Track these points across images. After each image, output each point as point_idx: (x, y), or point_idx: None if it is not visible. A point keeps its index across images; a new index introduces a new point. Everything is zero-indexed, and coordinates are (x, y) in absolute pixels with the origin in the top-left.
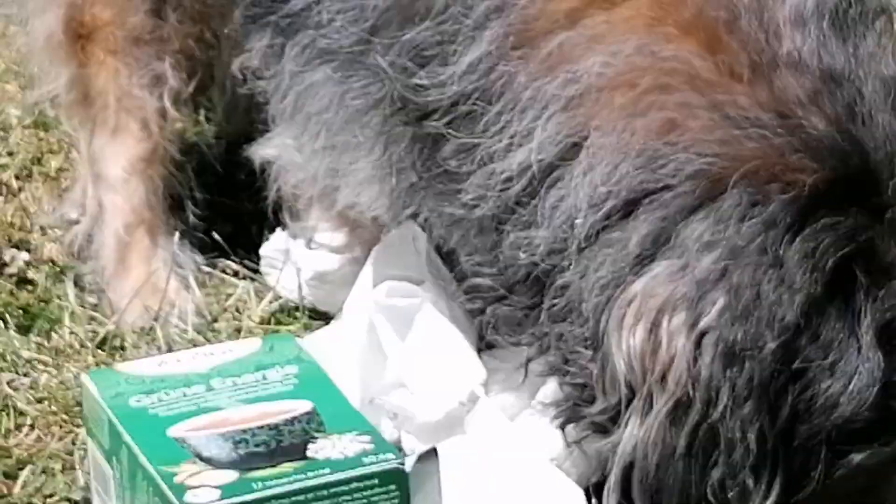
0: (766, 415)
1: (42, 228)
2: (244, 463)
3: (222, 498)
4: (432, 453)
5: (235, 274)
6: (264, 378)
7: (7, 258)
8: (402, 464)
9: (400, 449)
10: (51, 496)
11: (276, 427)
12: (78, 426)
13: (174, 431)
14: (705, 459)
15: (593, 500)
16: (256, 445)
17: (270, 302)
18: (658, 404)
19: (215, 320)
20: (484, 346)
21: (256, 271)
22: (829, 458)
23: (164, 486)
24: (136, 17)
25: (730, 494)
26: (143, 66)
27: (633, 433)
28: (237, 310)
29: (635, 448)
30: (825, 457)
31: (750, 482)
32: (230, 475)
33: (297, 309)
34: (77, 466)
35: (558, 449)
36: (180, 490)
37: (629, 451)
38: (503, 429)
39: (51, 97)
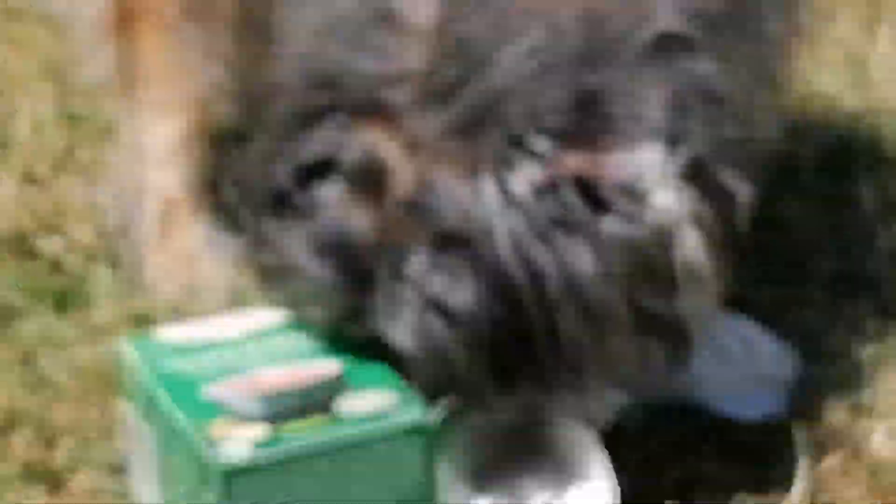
0: None
1: (76, 214)
2: (275, 419)
3: (255, 449)
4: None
5: None
6: (294, 342)
7: (43, 245)
8: (428, 418)
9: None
10: (90, 462)
11: (305, 386)
12: (114, 398)
13: (208, 390)
14: None
15: None
16: (287, 403)
17: None
18: None
19: (245, 298)
20: None
21: None
22: None
23: (200, 440)
24: None
25: None
26: (196, 41)
27: None
28: None
29: None
30: None
31: None
32: (262, 429)
33: None
34: (115, 435)
35: None
36: (215, 444)
37: None
38: None
39: (95, 81)
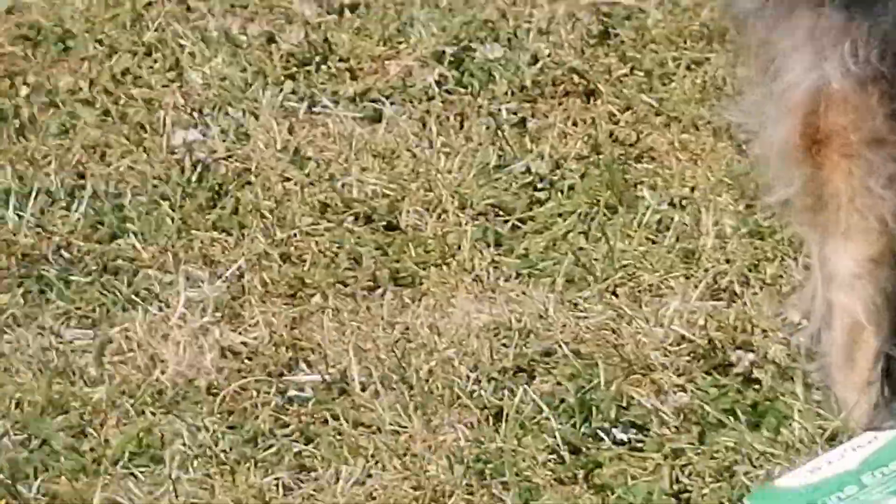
0: None
1: (764, 331)
2: None
3: None
4: None
5: None
6: None
7: (733, 359)
8: None
9: None
10: None
11: None
12: None
13: None
14: None
15: None
16: None
17: None
18: None
19: None
20: None
21: None
22: None
23: None
24: (873, 121)
25: None
26: (880, 167)
27: None
28: None
29: None
30: None
31: None
32: None
33: None
34: None
35: None
36: None
37: None
38: None
39: (781, 202)
